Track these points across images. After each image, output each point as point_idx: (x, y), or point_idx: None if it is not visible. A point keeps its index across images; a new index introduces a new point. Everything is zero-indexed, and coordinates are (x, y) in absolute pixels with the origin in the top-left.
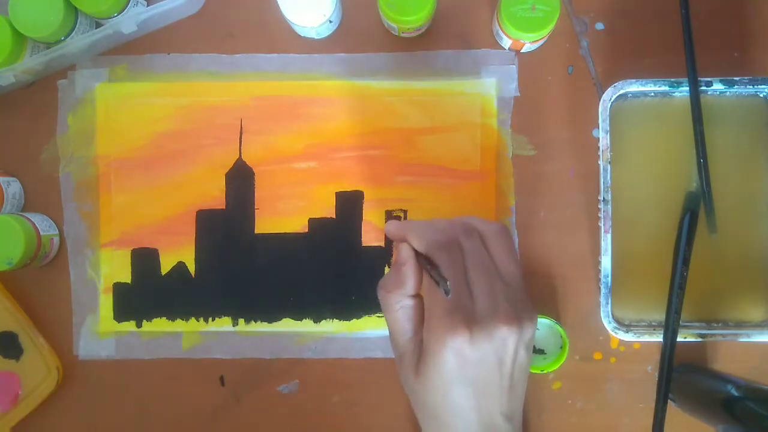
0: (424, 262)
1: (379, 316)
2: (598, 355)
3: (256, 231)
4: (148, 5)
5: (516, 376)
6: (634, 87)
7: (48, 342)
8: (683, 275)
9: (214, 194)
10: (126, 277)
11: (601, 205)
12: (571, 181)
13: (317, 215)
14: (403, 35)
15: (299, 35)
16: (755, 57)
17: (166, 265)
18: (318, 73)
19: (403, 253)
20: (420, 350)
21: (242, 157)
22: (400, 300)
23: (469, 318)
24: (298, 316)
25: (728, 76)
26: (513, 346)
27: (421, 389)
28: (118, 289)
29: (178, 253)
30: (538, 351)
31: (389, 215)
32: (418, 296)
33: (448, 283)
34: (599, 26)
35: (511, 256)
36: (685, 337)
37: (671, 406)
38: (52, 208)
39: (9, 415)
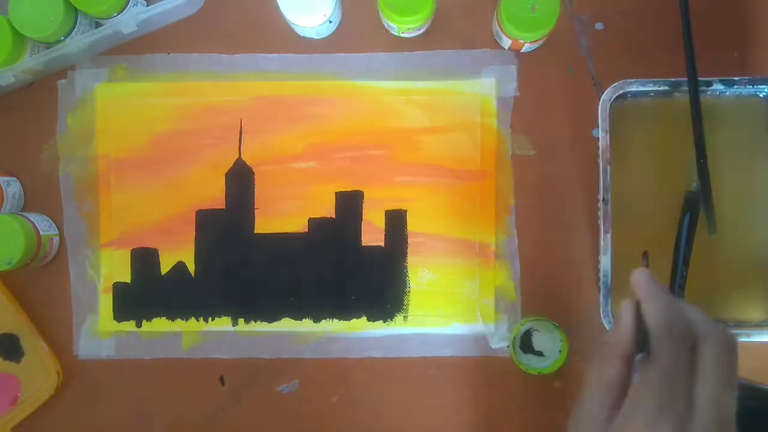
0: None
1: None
2: None
3: (256, 231)
4: (148, 5)
5: None
6: (634, 87)
7: (48, 343)
8: (683, 275)
9: (214, 194)
10: (126, 277)
11: (601, 205)
12: (571, 181)
13: (317, 215)
14: (403, 35)
15: (299, 35)
16: (755, 57)
17: (166, 265)
18: (318, 73)
19: (625, 318)
20: None
21: (242, 157)
22: (610, 363)
23: (679, 429)
24: (298, 316)
25: (728, 76)
26: None
27: None
28: (118, 288)
29: (178, 253)
30: (536, 353)
31: (389, 215)
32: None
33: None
34: (599, 26)
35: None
36: None
37: None
38: (52, 208)
39: (7, 417)
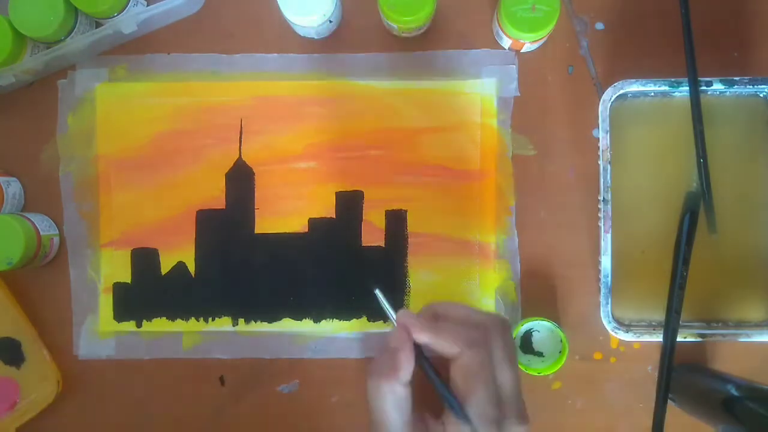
0: (429, 369)
1: (377, 319)
2: (598, 355)
3: (256, 231)
4: (148, 5)
5: None
6: (634, 87)
7: (49, 344)
8: (683, 275)
9: (214, 194)
10: (126, 277)
11: (601, 205)
12: (571, 181)
13: (317, 215)
14: (403, 35)
15: (299, 35)
16: (755, 57)
17: (166, 265)
18: (318, 73)
19: (399, 338)
20: None
21: (242, 157)
22: (392, 388)
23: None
24: (298, 316)
25: (728, 76)
26: None
27: None
28: (118, 289)
29: (178, 253)
30: (537, 353)
31: (389, 215)
32: (409, 387)
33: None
34: (599, 26)
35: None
36: (685, 337)
37: (671, 406)
38: (52, 208)
39: (5, 422)
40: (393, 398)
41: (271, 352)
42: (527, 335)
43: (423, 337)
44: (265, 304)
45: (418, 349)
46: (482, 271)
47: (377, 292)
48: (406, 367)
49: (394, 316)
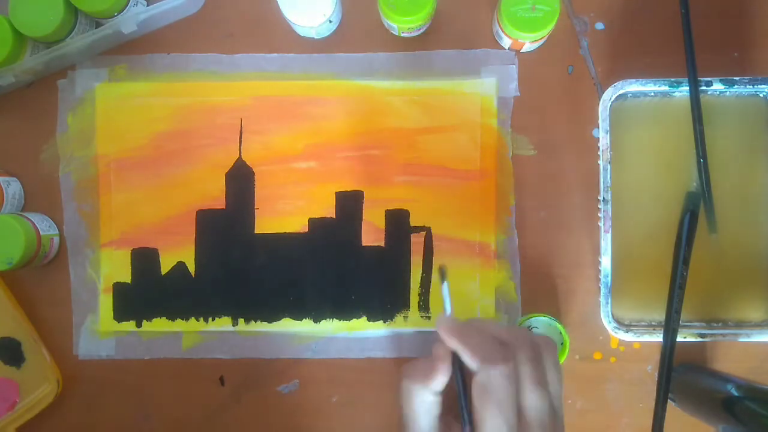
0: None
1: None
2: (598, 355)
3: (256, 231)
4: (148, 5)
5: None
6: (634, 87)
7: (48, 343)
8: (683, 275)
9: (214, 194)
10: (126, 277)
11: (601, 205)
12: (571, 181)
13: (317, 215)
14: (403, 35)
15: (299, 35)
16: (755, 57)
17: (166, 265)
18: (318, 73)
19: (441, 350)
20: None
21: (242, 157)
22: (423, 393)
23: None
24: (298, 316)
25: (728, 76)
26: None
27: None
28: (118, 288)
29: (178, 253)
30: None
31: (389, 215)
32: (440, 395)
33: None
34: (599, 26)
35: (559, 374)
36: (685, 337)
37: (671, 406)
38: (52, 208)
39: (5, 422)
40: (422, 403)
41: (271, 352)
42: None
43: (452, 342)
44: (265, 304)
45: (456, 358)
46: (482, 271)
47: (445, 286)
48: (440, 376)
49: (450, 310)
